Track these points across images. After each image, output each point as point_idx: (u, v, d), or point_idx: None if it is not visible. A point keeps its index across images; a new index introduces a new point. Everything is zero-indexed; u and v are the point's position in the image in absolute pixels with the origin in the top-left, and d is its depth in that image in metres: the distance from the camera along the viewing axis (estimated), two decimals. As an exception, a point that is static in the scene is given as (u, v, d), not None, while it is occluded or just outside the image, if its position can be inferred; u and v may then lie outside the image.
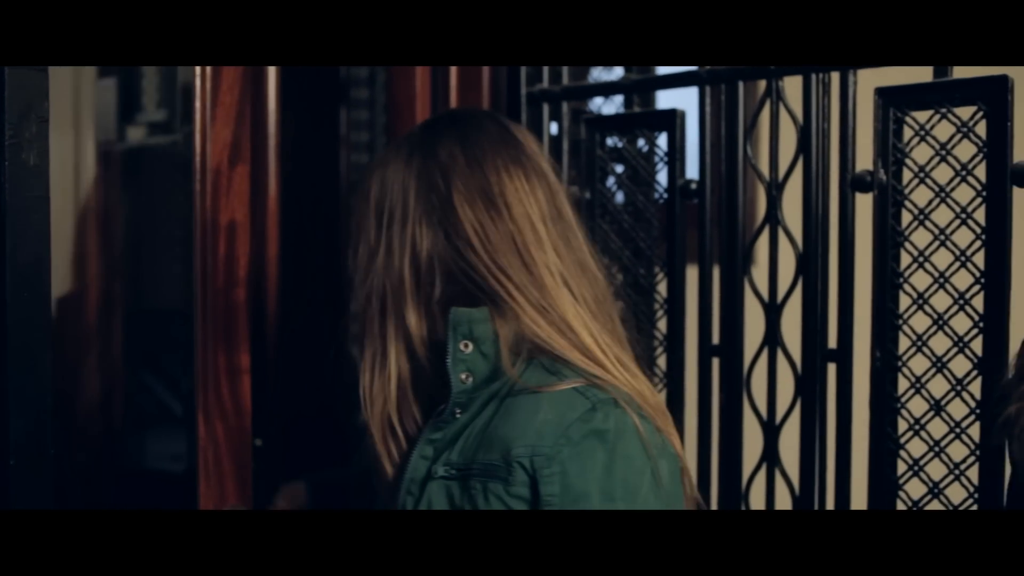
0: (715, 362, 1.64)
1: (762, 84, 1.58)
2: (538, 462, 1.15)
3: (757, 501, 1.67)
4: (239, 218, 1.53)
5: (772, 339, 1.61)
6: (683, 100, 1.71)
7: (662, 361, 1.71)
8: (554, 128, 1.79)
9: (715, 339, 1.64)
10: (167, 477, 1.71)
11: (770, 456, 1.64)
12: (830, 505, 1.57)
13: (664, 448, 1.21)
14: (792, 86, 1.55)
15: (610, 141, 1.74)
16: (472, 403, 1.25)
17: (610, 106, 2.04)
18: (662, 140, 1.66)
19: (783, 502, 1.65)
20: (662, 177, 1.68)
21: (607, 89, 1.76)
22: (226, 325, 1.53)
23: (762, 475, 1.65)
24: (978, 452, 1.41)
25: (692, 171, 1.65)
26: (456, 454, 1.23)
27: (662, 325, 1.71)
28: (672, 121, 1.63)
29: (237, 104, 1.53)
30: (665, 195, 1.66)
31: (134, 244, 1.73)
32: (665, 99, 2.10)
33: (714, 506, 1.67)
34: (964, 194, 1.40)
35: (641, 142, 1.78)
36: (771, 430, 1.64)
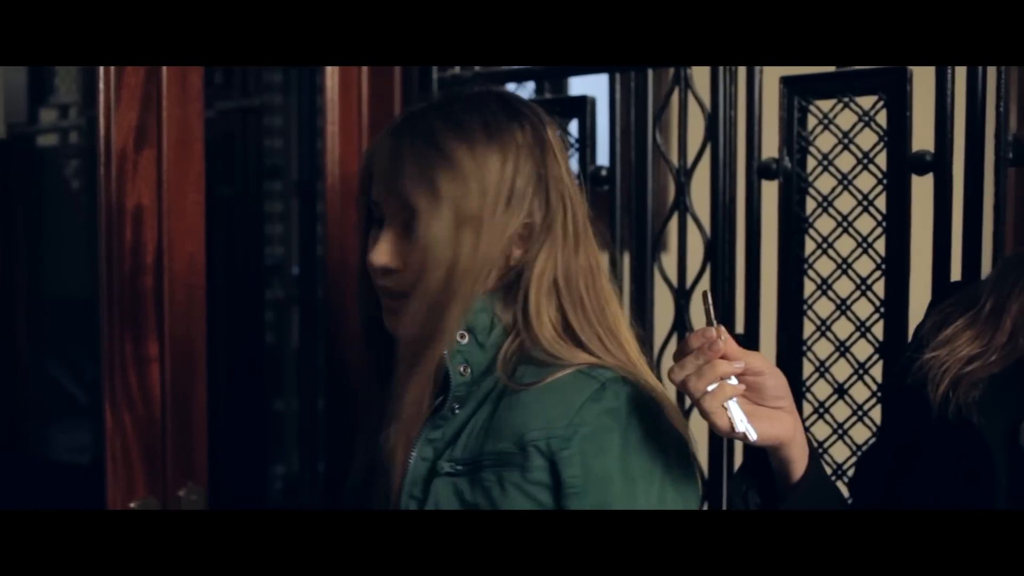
0: (626, 347, 1.65)
1: (671, 72, 1.60)
2: (555, 444, 1.09)
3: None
4: (146, 203, 1.50)
5: (681, 324, 1.63)
6: (596, 89, 1.72)
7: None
8: (467, 114, 1.79)
9: (626, 325, 1.65)
10: (73, 469, 1.67)
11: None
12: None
13: (671, 429, 1.18)
14: (700, 74, 1.57)
15: (522, 127, 1.74)
16: (470, 398, 1.18)
17: (522, 92, 2.04)
18: (573, 127, 1.67)
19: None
20: (573, 164, 1.68)
21: (519, 75, 1.76)
22: (133, 313, 1.50)
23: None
24: (879, 434, 1.45)
25: (603, 158, 1.66)
26: (460, 450, 1.16)
27: (574, 311, 1.71)
28: (583, 108, 1.64)
29: (143, 86, 1.49)
30: (576, 182, 1.66)
31: (36, 230, 1.69)
32: (578, 87, 2.11)
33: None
34: (866, 182, 1.43)
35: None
36: (682, 414, 1.66)
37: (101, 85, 1.46)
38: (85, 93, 2.02)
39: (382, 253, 1.17)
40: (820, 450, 1.50)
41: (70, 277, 1.74)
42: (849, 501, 1.26)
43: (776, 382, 1.06)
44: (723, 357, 1.03)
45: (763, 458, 1.12)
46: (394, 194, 1.16)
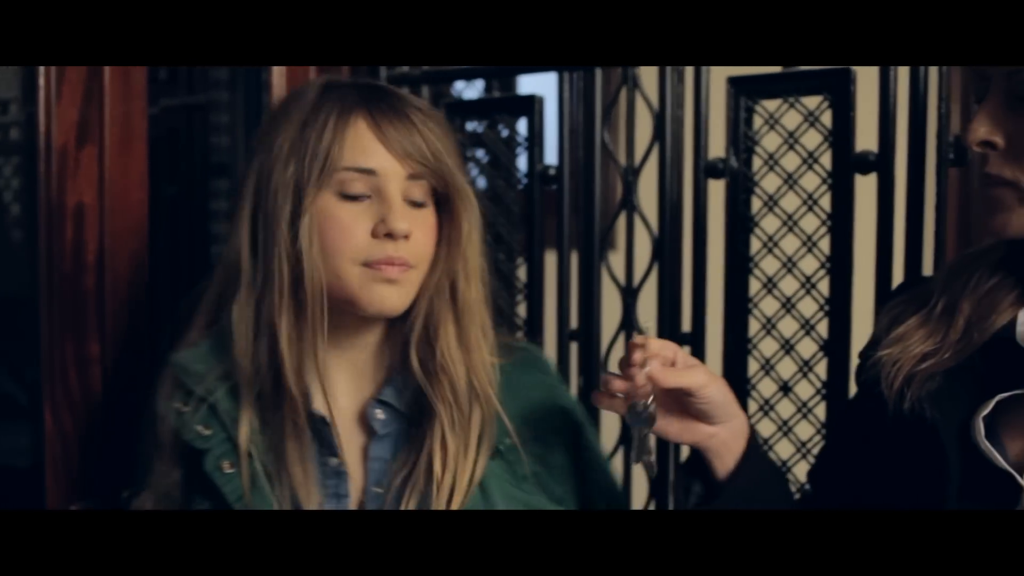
0: (573, 346, 1.66)
1: (619, 72, 1.60)
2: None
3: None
4: (88, 201, 1.48)
5: (629, 323, 1.64)
6: (545, 88, 1.72)
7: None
8: (414, 112, 1.78)
9: (573, 324, 1.66)
10: (11, 472, 1.64)
11: (628, 440, 1.67)
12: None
13: None
14: (648, 74, 1.58)
15: (470, 126, 1.74)
16: None
17: (472, 91, 2.04)
18: (522, 126, 1.67)
19: (640, 485, 1.69)
20: (522, 163, 1.68)
21: (468, 74, 1.75)
22: (74, 313, 1.47)
23: (620, 457, 1.68)
24: (823, 431, 1.46)
25: (552, 157, 1.66)
26: None
27: (521, 310, 1.72)
28: (531, 107, 1.64)
29: (85, 82, 1.47)
30: (525, 181, 1.67)
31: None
32: (527, 86, 2.11)
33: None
34: (811, 181, 1.44)
35: (503, 128, 1.78)
36: (628, 412, 1.66)
37: (41, 81, 1.44)
38: (25, 88, 1.98)
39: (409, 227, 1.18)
40: (766, 447, 1.52)
41: (9, 276, 1.71)
42: (802, 492, 1.28)
43: (718, 391, 1.08)
44: (655, 377, 1.04)
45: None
46: (437, 174, 1.19)
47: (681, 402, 1.08)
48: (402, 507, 1.17)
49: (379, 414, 1.21)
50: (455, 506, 1.17)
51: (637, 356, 1.04)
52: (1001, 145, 0.98)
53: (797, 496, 1.44)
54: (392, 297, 1.17)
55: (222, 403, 1.17)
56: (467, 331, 1.22)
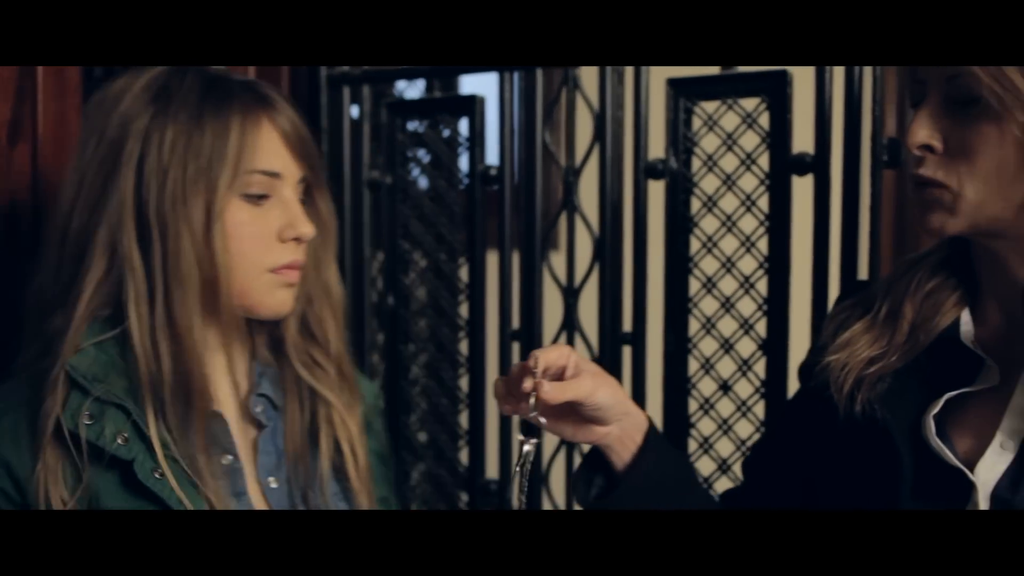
0: (515, 347, 1.66)
1: (560, 72, 1.61)
2: None
3: (557, 484, 1.71)
4: (21, 199, 1.45)
5: (570, 323, 1.64)
6: (487, 88, 1.72)
7: (463, 347, 1.72)
8: (355, 111, 1.77)
9: (515, 324, 1.66)
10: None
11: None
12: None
13: None
14: (588, 75, 1.59)
15: (411, 126, 1.74)
16: None
17: (414, 90, 2.04)
18: (463, 126, 1.67)
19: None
20: (463, 163, 1.68)
21: (408, 74, 1.75)
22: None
23: (562, 456, 1.68)
24: (762, 429, 1.48)
25: (493, 157, 1.66)
26: None
27: (463, 311, 1.72)
28: (472, 107, 1.64)
29: (16, 79, 1.44)
30: (466, 181, 1.67)
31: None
32: (469, 87, 2.11)
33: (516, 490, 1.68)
34: (749, 182, 1.46)
35: (445, 128, 1.78)
36: (570, 412, 1.67)
37: (-28, 78, 1.41)
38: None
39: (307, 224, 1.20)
40: (706, 446, 1.53)
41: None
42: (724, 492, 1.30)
43: (607, 395, 1.09)
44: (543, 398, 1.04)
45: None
46: (316, 172, 1.22)
47: (573, 407, 1.09)
48: (309, 501, 1.21)
49: (260, 408, 1.22)
50: (364, 496, 1.25)
51: (527, 385, 1.04)
52: (939, 149, 1.00)
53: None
54: (289, 300, 1.20)
55: (132, 408, 1.12)
56: (340, 321, 1.28)
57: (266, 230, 1.16)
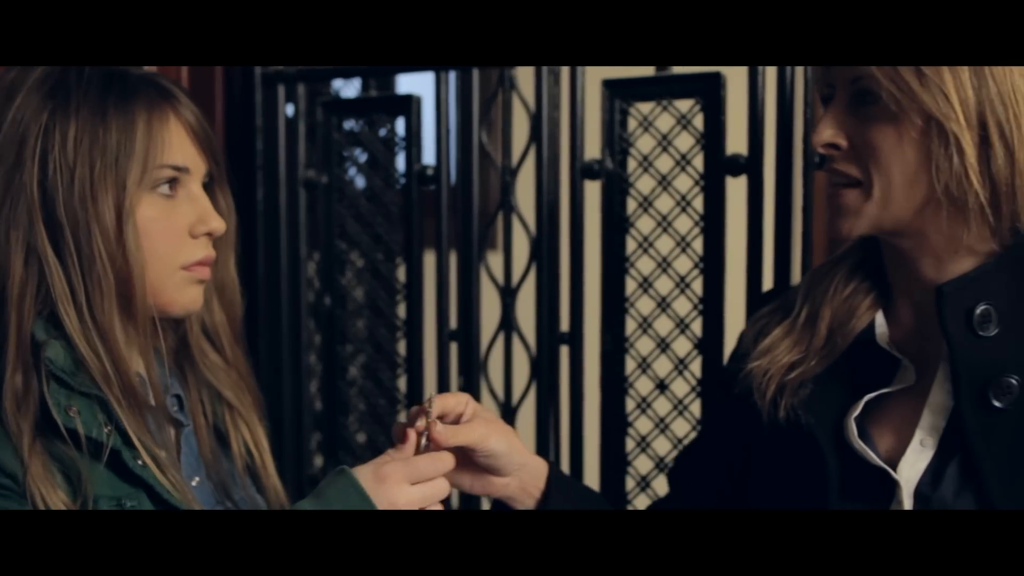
0: (453, 347, 1.66)
1: (497, 72, 1.61)
2: None
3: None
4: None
5: (507, 323, 1.64)
6: (424, 88, 1.71)
7: (401, 347, 1.71)
8: (290, 110, 1.76)
9: (452, 324, 1.65)
10: None
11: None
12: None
13: None
14: (525, 75, 1.59)
15: (348, 125, 1.73)
16: None
17: (350, 89, 2.02)
18: (400, 126, 1.66)
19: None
20: (400, 163, 1.68)
21: (343, 73, 1.74)
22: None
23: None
24: (698, 428, 1.49)
25: (430, 157, 1.65)
26: None
27: (400, 311, 1.71)
28: (408, 106, 1.63)
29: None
30: (403, 181, 1.66)
31: None
32: (407, 86, 2.10)
33: (455, 491, 1.68)
34: (684, 183, 1.47)
35: (382, 128, 1.77)
36: (508, 412, 1.67)
37: None
38: None
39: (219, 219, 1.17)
40: (643, 444, 1.54)
41: None
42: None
43: (501, 442, 1.09)
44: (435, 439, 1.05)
45: None
46: (218, 166, 1.20)
47: (469, 457, 1.09)
48: (234, 500, 1.21)
49: (175, 407, 1.20)
50: (274, 497, 1.24)
51: (419, 424, 1.05)
52: (844, 147, 1.04)
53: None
54: (200, 297, 1.18)
55: (109, 398, 1.09)
56: (237, 321, 1.26)
57: (177, 226, 1.14)
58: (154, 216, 1.12)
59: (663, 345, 1.52)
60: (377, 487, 1.03)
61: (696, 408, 1.50)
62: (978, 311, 1.00)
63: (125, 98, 1.12)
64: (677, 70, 1.47)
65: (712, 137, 1.43)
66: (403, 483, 1.03)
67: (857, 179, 1.03)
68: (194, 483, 1.19)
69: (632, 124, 1.50)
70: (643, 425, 1.55)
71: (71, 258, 1.10)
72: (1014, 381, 0.99)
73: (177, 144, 1.14)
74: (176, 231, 1.14)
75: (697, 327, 1.48)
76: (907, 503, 1.02)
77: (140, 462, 1.08)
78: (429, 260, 1.66)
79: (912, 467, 1.02)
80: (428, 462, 1.05)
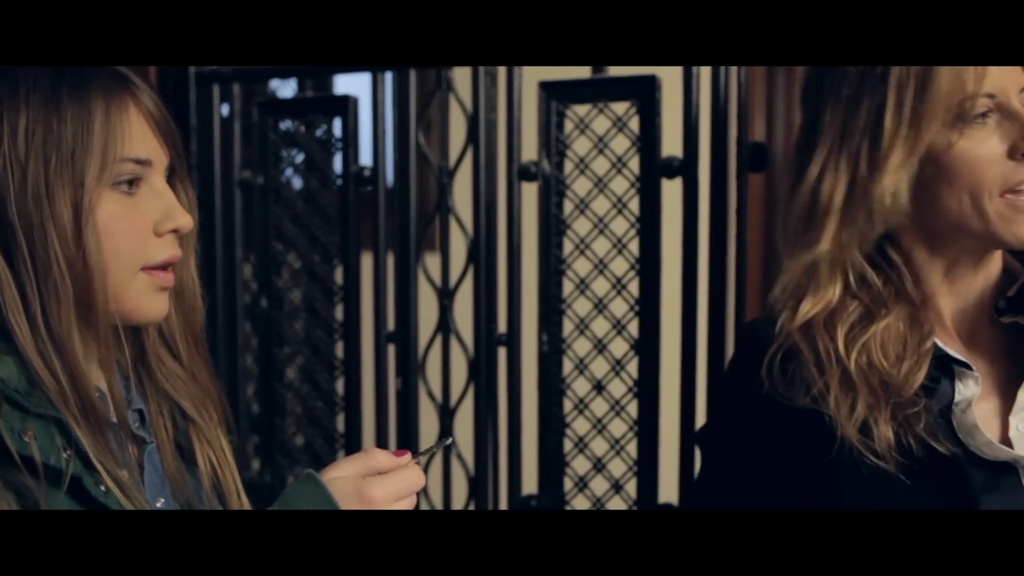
0: (390, 348, 1.65)
1: (434, 73, 1.61)
2: None
3: (434, 486, 1.71)
4: None
5: (445, 325, 1.64)
6: (362, 89, 1.71)
7: (339, 349, 1.70)
8: (225, 110, 1.74)
9: (390, 326, 1.65)
10: None
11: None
12: (503, 485, 1.62)
13: None
14: (462, 76, 1.59)
15: (284, 125, 1.71)
16: None
17: (287, 89, 2.01)
18: (337, 126, 1.65)
19: (459, 485, 1.69)
20: (337, 163, 1.67)
21: (280, 72, 1.72)
22: None
23: (438, 459, 1.68)
24: (636, 428, 1.50)
25: (368, 158, 1.64)
26: None
27: (338, 313, 1.70)
28: (345, 107, 1.62)
29: None
30: (340, 182, 1.65)
31: None
32: (344, 87, 2.09)
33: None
34: (620, 185, 1.48)
35: (319, 129, 1.76)
36: (446, 414, 1.67)
37: None
38: None
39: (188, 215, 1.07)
40: (581, 445, 1.55)
41: None
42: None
43: None
44: None
45: None
46: (181, 155, 1.09)
47: None
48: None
49: (137, 423, 1.11)
50: (242, 507, 1.15)
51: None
52: None
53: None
54: (166, 305, 1.08)
55: (67, 419, 1.01)
56: (196, 326, 1.16)
57: (140, 223, 1.04)
58: (116, 214, 1.03)
59: (600, 346, 1.53)
60: (358, 506, 0.98)
61: (633, 409, 1.50)
62: None
63: (80, 86, 1.02)
64: (614, 72, 1.48)
65: (647, 139, 1.44)
66: (390, 503, 0.99)
67: None
68: (159, 504, 1.11)
69: (568, 126, 1.50)
70: (580, 426, 1.55)
71: (23, 263, 1.00)
72: None
73: (138, 135, 1.04)
74: (140, 229, 1.04)
75: (634, 328, 1.49)
76: None
77: (103, 488, 1.00)
78: (366, 261, 1.65)
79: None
80: (414, 478, 1.00)
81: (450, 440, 1.08)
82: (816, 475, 1.07)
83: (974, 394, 1.06)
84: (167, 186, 1.07)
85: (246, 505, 1.18)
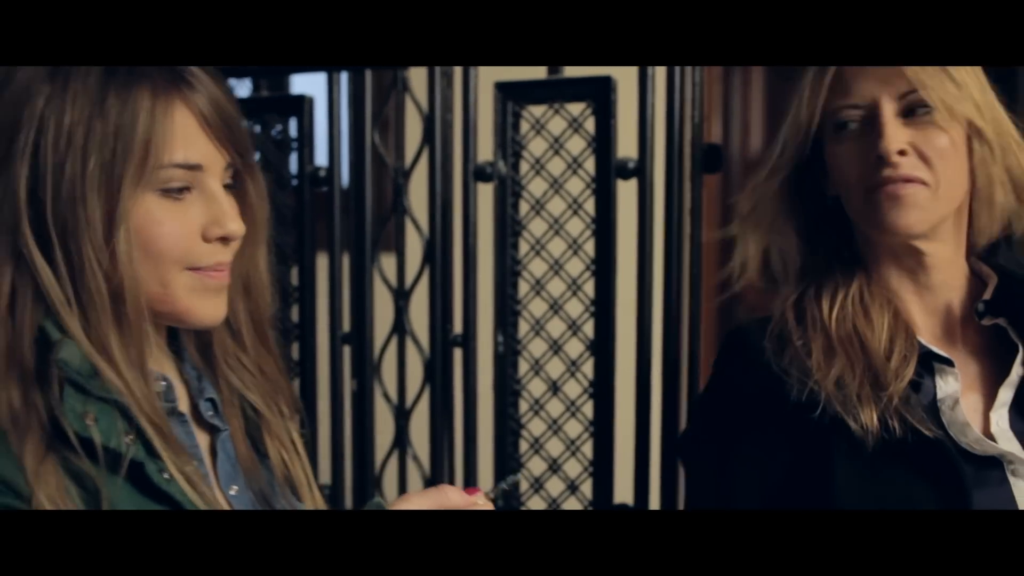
0: (346, 349, 1.64)
1: (390, 74, 1.60)
2: None
3: (390, 486, 1.70)
4: None
5: (401, 326, 1.64)
6: (317, 89, 1.70)
7: (294, 350, 1.69)
8: (180, 111, 1.72)
9: (346, 327, 1.64)
10: None
11: (402, 441, 1.67)
12: (458, 486, 1.61)
13: None
14: (418, 77, 1.58)
15: (239, 126, 1.70)
16: None
17: (242, 89, 2.00)
18: (292, 126, 1.64)
19: (415, 486, 1.68)
20: (293, 164, 1.65)
21: (235, 72, 1.71)
22: None
23: (394, 460, 1.68)
24: (592, 429, 1.50)
25: (323, 159, 1.64)
26: None
27: (293, 314, 1.69)
28: (301, 107, 1.61)
29: None
30: (295, 182, 1.64)
31: None
32: (300, 87, 2.08)
33: (348, 494, 1.67)
34: (576, 186, 1.48)
35: (274, 129, 1.75)
36: (402, 415, 1.67)
37: None
38: None
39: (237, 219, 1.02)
40: (536, 446, 1.55)
41: None
42: None
43: None
44: None
45: None
46: (245, 155, 1.04)
47: None
48: (274, 509, 1.10)
49: (211, 412, 1.08)
50: (314, 501, 1.13)
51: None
52: (909, 151, 1.09)
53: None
54: (220, 307, 1.04)
55: (130, 404, 0.98)
56: (265, 321, 1.12)
57: (187, 229, 0.99)
58: (158, 218, 0.98)
59: (556, 347, 1.53)
60: None
61: (589, 409, 1.51)
62: None
63: (128, 83, 0.97)
64: (569, 73, 1.48)
65: (603, 140, 1.44)
66: None
67: (923, 179, 1.08)
68: (232, 492, 1.08)
69: (524, 127, 1.50)
70: (536, 427, 1.55)
71: (61, 268, 0.97)
72: None
73: (186, 138, 0.99)
74: (185, 235, 0.99)
75: (589, 329, 1.49)
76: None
77: (166, 475, 0.97)
78: (322, 262, 1.64)
79: (1011, 443, 1.08)
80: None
81: (518, 478, 1.07)
82: (809, 471, 1.10)
83: (955, 390, 1.10)
84: (221, 190, 1.01)
85: (318, 498, 1.15)
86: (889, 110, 1.08)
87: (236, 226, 1.01)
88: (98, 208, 0.96)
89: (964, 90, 1.07)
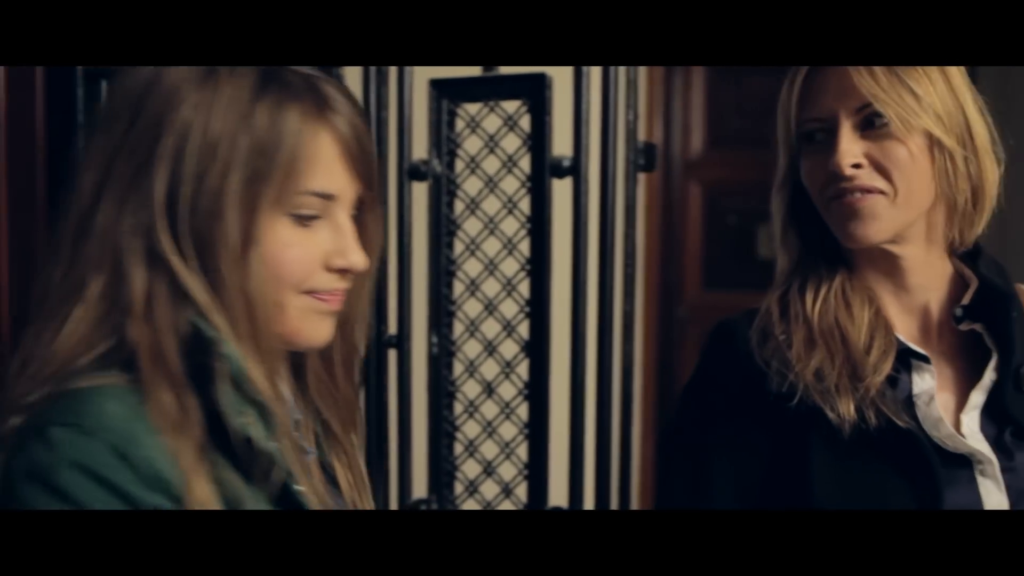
0: (280, 351, 1.61)
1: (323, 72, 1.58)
2: None
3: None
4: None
5: (335, 326, 1.61)
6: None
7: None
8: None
9: (280, 328, 1.61)
10: None
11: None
12: (393, 489, 1.59)
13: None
14: (352, 75, 1.56)
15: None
16: None
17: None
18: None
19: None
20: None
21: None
22: None
23: (329, 463, 1.65)
24: (526, 431, 1.49)
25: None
26: None
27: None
28: (234, 104, 1.58)
29: None
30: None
31: None
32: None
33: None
34: (511, 184, 1.46)
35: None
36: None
37: None
38: None
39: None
40: (471, 448, 1.53)
41: None
42: None
43: None
44: None
45: None
46: (373, 186, 1.02)
47: None
48: None
49: (296, 432, 1.05)
50: None
51: None
52: (865, 164, 1.09)
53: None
54: (328, 330, 1.02)
55: (277, 410, 0.96)
56: (357, 354, 1.10)
57: (312, 255, 0.98)
58: (287, 241, 0.96)
59: (490, 348, 1.51)
60: None
61: (524, 411, 1.49)
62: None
63: (280, 103, 0.95)
64: (505, 71, 1.47)
65: (538, 139, 1.43)
66: None
67: (881, 189, 1.09)
68: None
69: (459, 125, 1.49)
70: (471, 429, 1.54)
71: (200, 276, 0.95)
72: None
73: (327, 167, 0.97)
74: (309, 261, 0.98)
75: (524, 330, 1.47)
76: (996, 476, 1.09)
77: (301, 488, 0.95)
78: (255, 262, 1.62)
79: (981, 444, 1.09)
80: None
81: None
82: (787, 461, 1.11)
83: (931, 387, 1.12)
84: (348, 221, 1.00)
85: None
86: (847, 124, 1.09)
87: (360, 259, 0.99)
88: (236, 226, 0.93)
89: (923, 101, 1.08)
